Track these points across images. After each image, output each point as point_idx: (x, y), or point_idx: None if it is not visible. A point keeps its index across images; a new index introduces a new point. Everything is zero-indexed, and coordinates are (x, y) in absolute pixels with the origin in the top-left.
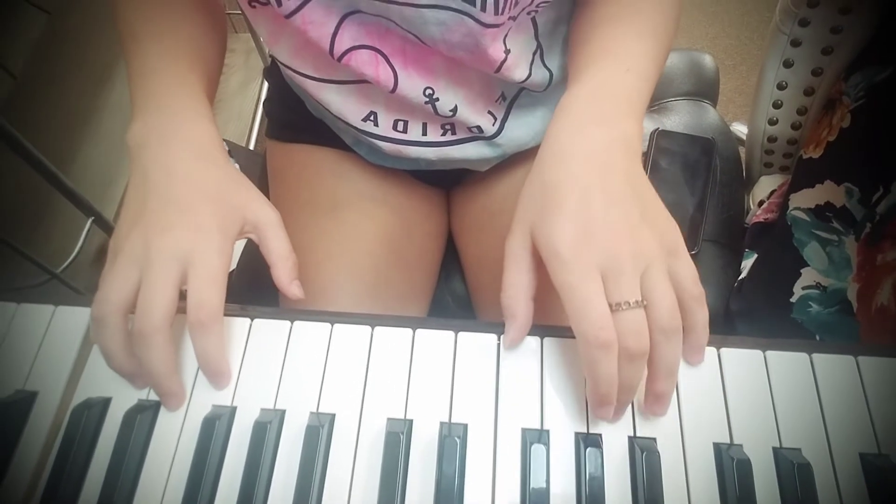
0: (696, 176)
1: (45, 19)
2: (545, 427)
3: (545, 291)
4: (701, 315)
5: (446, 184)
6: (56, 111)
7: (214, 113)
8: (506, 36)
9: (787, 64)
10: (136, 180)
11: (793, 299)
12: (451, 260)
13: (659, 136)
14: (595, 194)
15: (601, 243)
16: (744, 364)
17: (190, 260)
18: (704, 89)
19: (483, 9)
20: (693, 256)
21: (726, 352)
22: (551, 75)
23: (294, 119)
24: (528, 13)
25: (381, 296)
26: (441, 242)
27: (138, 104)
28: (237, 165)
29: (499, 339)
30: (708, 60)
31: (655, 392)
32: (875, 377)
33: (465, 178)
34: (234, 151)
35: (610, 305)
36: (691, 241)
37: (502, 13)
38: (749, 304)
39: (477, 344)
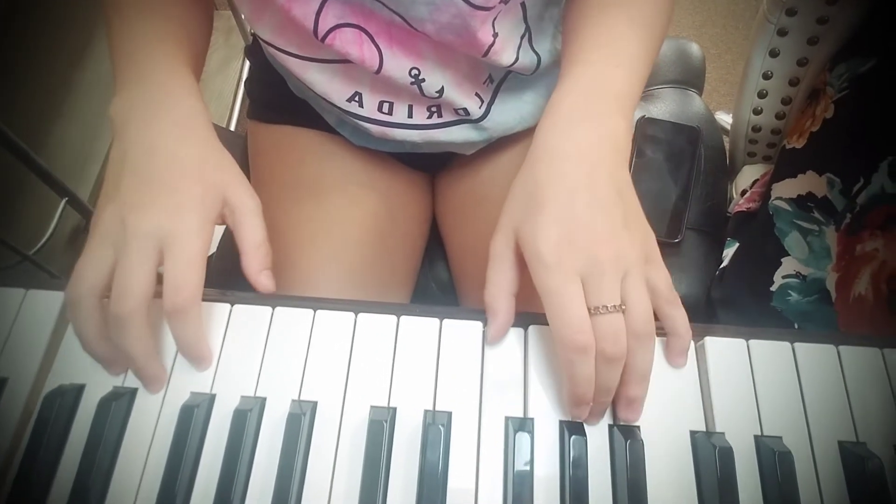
0: (681, 164)
1: None
2: (529, 415)
3: (529, 286)
4: (680, 317)
5: (431, 168)
6: (29, 90)
7: None
8: (494, 19)
9: (773, 53)
10: (117, 155)
11: (773, 288)
12: (434, 246)
13: (645, 123)
14: (580, 197)
15: (583, 248)
16: (727, 353)
17: (167, 241)
18: (691, 78)
19: None
20: (676, 245)
21: (710, 340)
22: (539, 59)
23: (276, 99)
24: None
25: (364, 281)
26: (425, 227)
27: (122, 78)
28: None
29: (484, 327)
30: (695, 49)
31: (628, 397)
32: (855, 366)
33: (451, 162)
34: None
35: (589, 309)
36: (674, 229)
37: None
38: (730, 293)
39: (461, 331)
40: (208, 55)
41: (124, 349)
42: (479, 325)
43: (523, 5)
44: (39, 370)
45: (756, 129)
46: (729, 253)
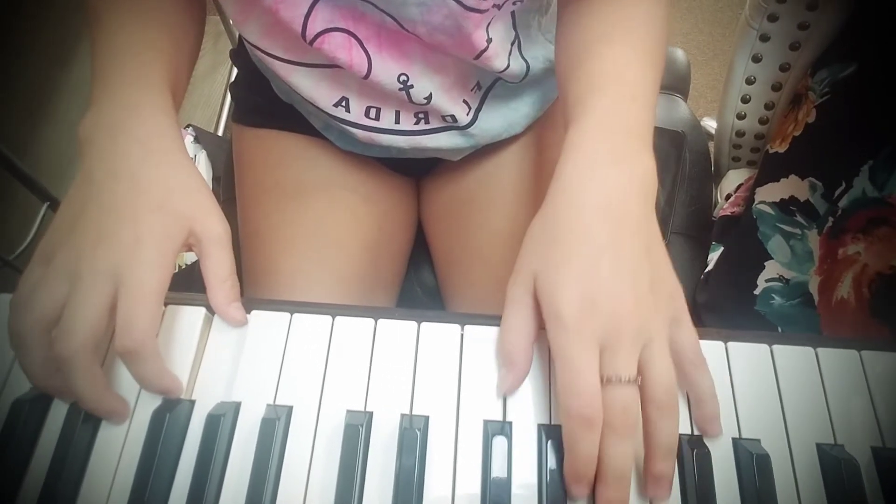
0: (666, 169)
1: None
2: (508, 419)
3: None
4: (706, 383)
5: (417, 172)
6: (12, 92)
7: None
8: (489, 25)
9: (756, 59)
10: (80, 181)
11: (756, 291)
12: (420, 251)
13: None
14: (606, 256)
15: (605, 315)
16: (706, 355)
17: (121, 277)
18: (676, 83)
19: None
20: None
21: None
22: (528, 67)
23: (261, 103)
24: (514, 2)
25: (348, 285)
26: (410, 233)
27: (94, 95)
28: (204, 153)
29: (462, 330)
30: (680, 55)
31: (654, 473)
32: (833, 369)
33: (436, 167)
34: (201, 137)
35: (602, 378)
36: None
37: None
38: (714, 297)
39: (440, 335)
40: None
41: (71, 389)
42: (457, 328)
43: (513, 13)
44: (8, 375)
45: (740, 133)
46: (714, 257)
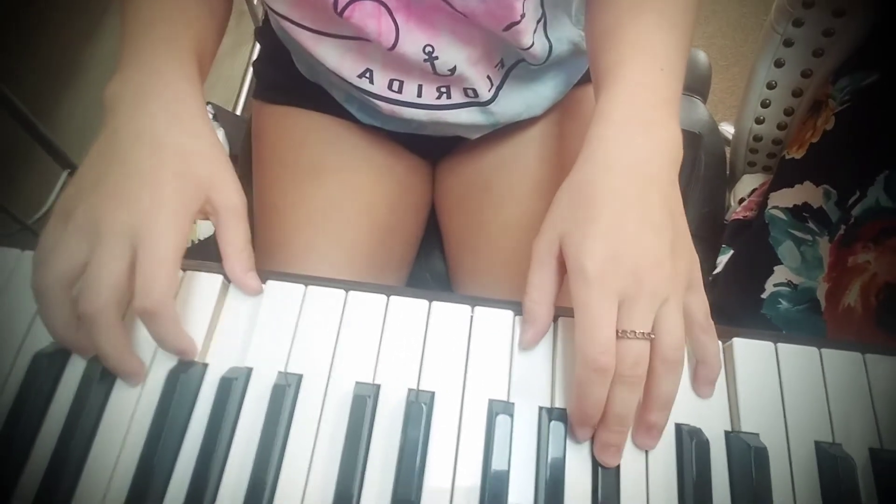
0: (680, 168)
1: None
2: (511, 399)
3: (564, 289)
4: (712, 347)
5: (434, 154)
6: (41, 60)
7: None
8: None
9: (779, 63)
10: (103, 141)
11: (764, 295)
12: (431, 237)
13: None
14: (632, 215)
15: (627, 270)
16: None
17: (139, 239)
18: (696, 85)
19: None
20: None
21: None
22: (550, 47)
23: (283, 81)
24: None
25: (359, 265)
26: (423, 216)
27: (122, 61)
28: (222, 131)
29: (472, 312)
30: (702, 57)
31: (647, 422)
32: (836, 370)
33: (453, 149)
34: (220, 116)
35: (617, 331)
36: None
37: None
38: (721, 299)
39: (450, 315)
40: None
41: (95, 346)
42: (467, 309)
43: None
44: (29, 329)
45: (757, 138)
46: (723, 260)
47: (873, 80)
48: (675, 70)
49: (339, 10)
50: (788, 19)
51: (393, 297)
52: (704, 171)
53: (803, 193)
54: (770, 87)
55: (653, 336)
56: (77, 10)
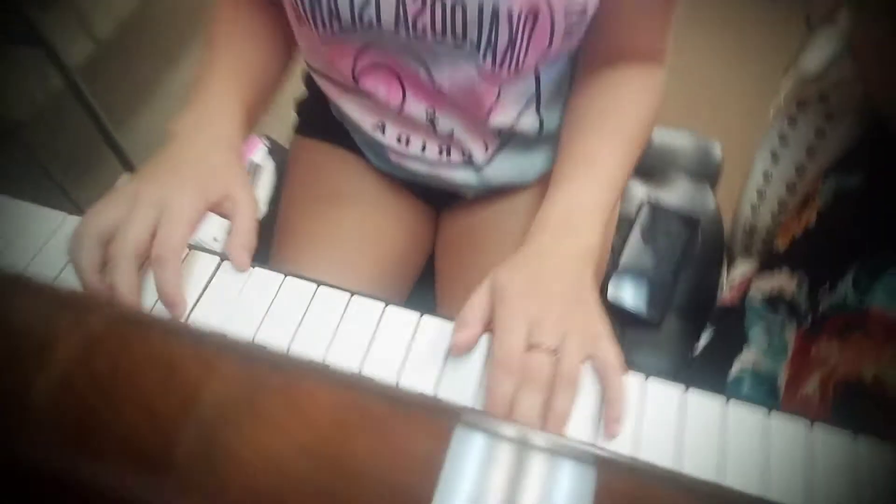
0: (672, 247)
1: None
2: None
3: None
4: (618, 388)
5: (439, 203)
6: (129, 78)
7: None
8: (502, 84)
9: (775, 158)
10: (160, 155)
11: (729, 378)
12: (426, 280)
13: (648, 206)
14: (549, 270)
15: (539, 300)
16: (662, 402)
17: (164, 208)
18: (706, 171)
19: (484, 59)
20: (656, 326)
21: (651, 381)
22: (542, 124)
23: (320, 119)
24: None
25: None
26: (420, 258)
27: (189, 105)
28: (273, 164)
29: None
30: (716, 148)
31: (546, 431)
32: (781, 435)
33: (455, 202)
34: (274, 150)
35: (529, 345)
36: (658, 309)
37: (500, 67)
38: (693, 379)
39: (436, 328)
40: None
41: (111, 283)
42: (450, 324)
43: (538, 78)
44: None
45: (752, 226)
46: (703, 342)
47: (856, 181)
48: (611, 181)
49: (354, 76)
50: (784, 118)
51: (389, 307)
52: (702, 255)
53: (780, 280)
54: (766, 178)
55: (556, 355)
56: (162, 41)
